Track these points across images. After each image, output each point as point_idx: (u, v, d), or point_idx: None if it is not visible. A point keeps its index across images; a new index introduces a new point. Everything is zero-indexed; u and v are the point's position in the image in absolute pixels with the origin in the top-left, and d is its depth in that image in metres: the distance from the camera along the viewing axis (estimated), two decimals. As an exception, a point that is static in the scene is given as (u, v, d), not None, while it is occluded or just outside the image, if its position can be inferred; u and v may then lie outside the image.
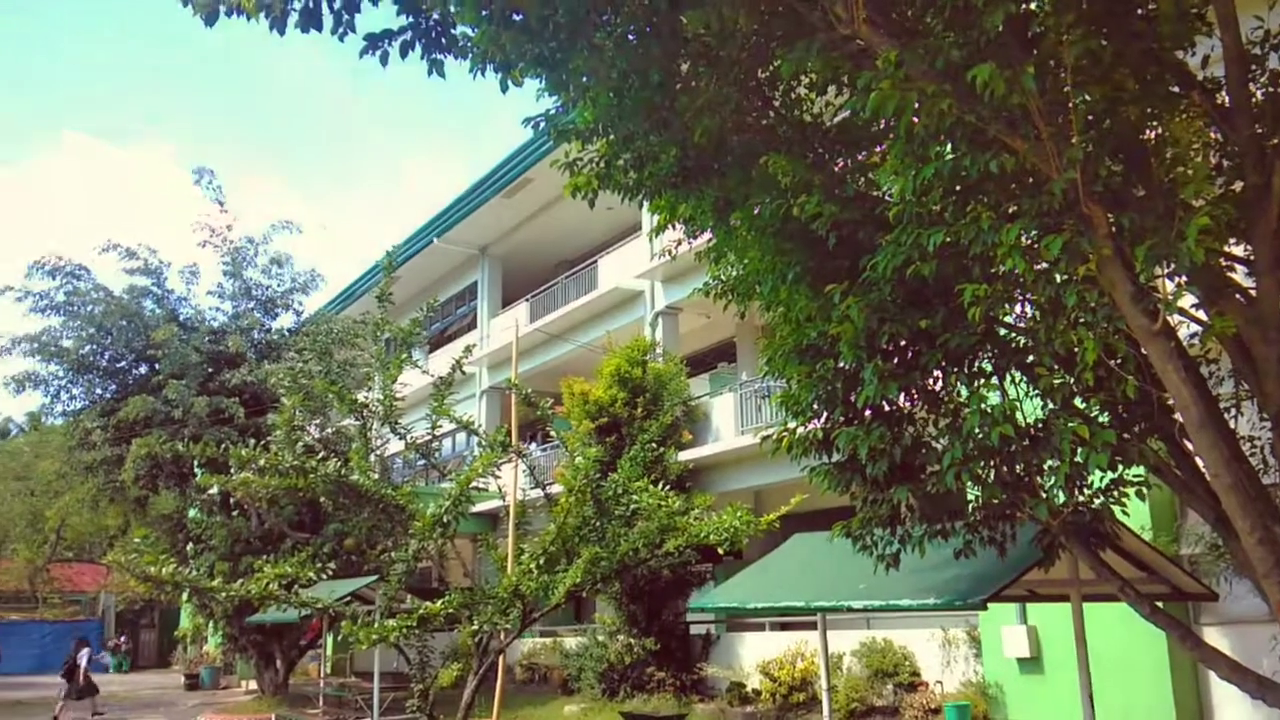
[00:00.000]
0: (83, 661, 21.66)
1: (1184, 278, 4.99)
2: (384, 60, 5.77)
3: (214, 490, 21.18)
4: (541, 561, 10.22)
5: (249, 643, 23.05)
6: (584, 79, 6.16)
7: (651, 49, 5.99)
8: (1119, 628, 9.82)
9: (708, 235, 7.33)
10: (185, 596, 25.49)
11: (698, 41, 6.12)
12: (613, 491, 10.72)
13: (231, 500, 21.90)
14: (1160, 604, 6.51)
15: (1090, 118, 4.79)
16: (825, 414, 6.26)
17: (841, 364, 5.92)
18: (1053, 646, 12.03)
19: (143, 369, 22.83)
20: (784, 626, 17.40)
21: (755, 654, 16.90)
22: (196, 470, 21.19)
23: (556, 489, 11.72)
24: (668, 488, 11.36)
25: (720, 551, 11.31)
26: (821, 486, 6.37)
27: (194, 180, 22.82)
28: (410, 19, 5.80)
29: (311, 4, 5.45)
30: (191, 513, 22.50)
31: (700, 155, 6.53)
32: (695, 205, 6.89)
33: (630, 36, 6.01)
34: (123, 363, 22.93)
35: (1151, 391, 5.20)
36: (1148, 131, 5.20)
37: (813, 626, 11.49)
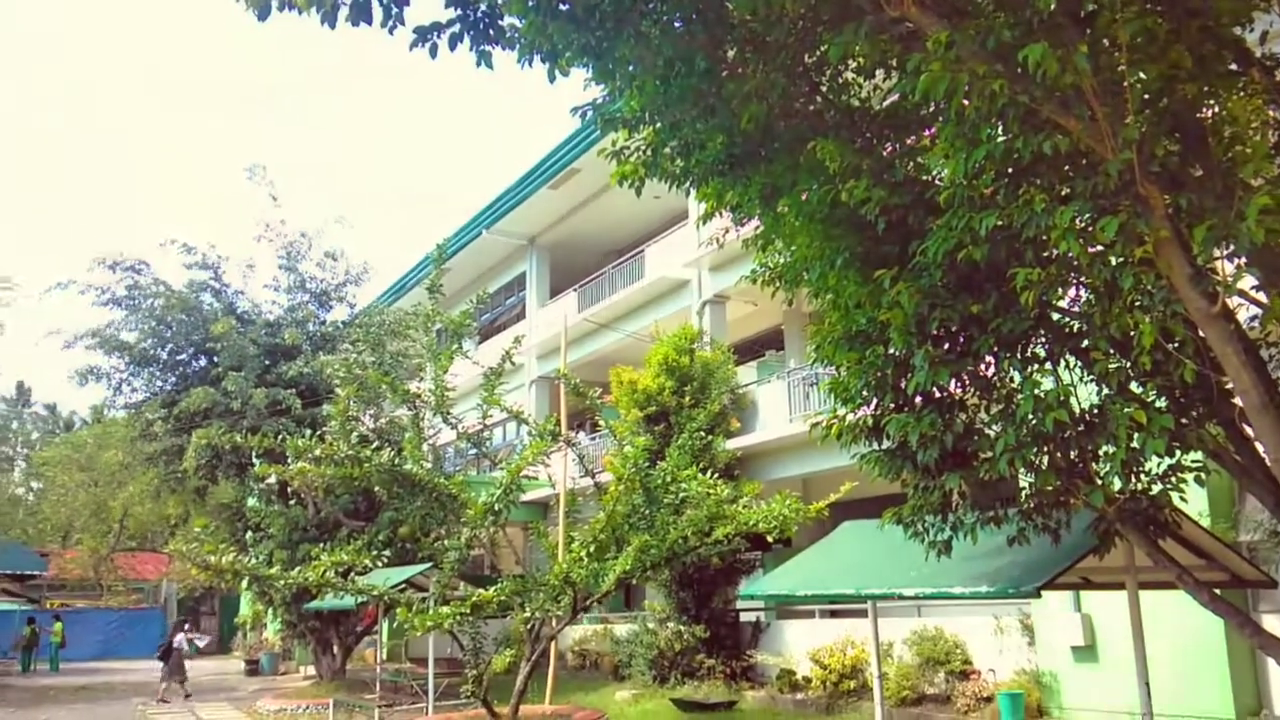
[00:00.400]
0: (181, 644, 22.37)
1: (1243, 259, 4.87)
2: (433, 52, 5.84)
3: (272, 480, 21.63)
4: (592, 549, 10.31)
5: (307, 629, 23.47)
6: (630, 67, 6.18)
7: (698, 35, 6.00)
8: (1175, 615, 9.67)
9: (755, 222, 7.31)
10: (245, 584, 26.01)
11: (744, 27, 6.10)
12: (661, 480, 10.77)
13: (289, 489, 22.28)
14: (1218, 591, 6.41)
15: (1146, 97, 4.71)
16: (875, 401, 6.21)
17: (892, 350, 5.88)
18: (1107, 634, 11.88)
19: (202, 361, 23.26)
20: (834, 614, 17.36)
21: (805, 641, 16.88)
22: (255, 460, 21.63)
23: (606, 477, 11.80)
24: (716, 476, 11.41)
25: (769, 539, 11.32)
26: (872, 473, 6.34)
27: (246, 177, 23.23)
28: (459, 11, 5.87)
29: (362, -2, 5.54)
30: (250, 502, 22.94)
31: (747, 142, 6.52)
32: (742, 192, 6.87)
33: (676, 23, 6.02)
34: (182, 355, 23.39)
35: (1210, 375, 5.11)
36: (1205, 110, 5.09)
37: (863, 614, 11.45)
